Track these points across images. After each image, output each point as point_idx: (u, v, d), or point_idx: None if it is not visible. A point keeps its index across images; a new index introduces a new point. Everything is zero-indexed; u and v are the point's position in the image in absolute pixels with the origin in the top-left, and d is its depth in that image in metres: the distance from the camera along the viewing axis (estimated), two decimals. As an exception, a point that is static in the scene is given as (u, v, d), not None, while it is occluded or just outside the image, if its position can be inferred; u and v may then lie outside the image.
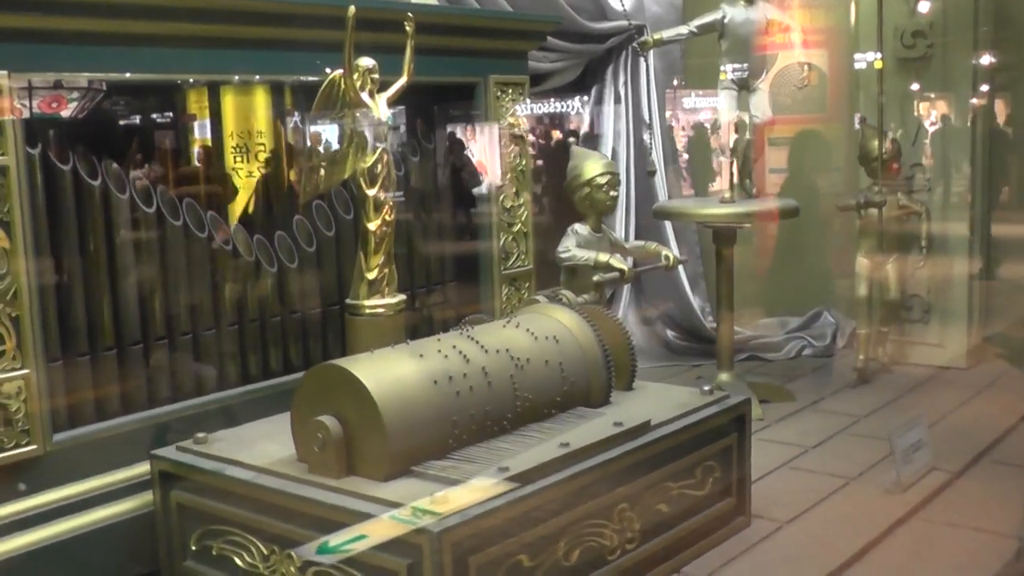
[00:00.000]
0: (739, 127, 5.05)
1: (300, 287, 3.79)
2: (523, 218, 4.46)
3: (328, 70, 3.51)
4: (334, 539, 2.91)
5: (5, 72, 2.98)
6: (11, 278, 3.02)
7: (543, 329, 3.42)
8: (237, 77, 3.63)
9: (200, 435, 3.22)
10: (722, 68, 5.09)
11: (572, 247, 4.29)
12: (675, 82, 6.27)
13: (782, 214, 5.18)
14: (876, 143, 5.58)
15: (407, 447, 2.82)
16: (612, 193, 4.39)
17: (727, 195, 5.03)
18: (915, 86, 6.08)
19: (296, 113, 4.04)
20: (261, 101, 3.96)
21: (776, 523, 3.75)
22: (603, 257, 4.22)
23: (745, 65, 5.14)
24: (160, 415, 3.41)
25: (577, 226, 4.37)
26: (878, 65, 6.00)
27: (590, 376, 3.43)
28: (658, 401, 3.54)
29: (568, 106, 6.07)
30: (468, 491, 2.72)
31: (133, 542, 3.26)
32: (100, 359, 3.33)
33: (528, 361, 3.26)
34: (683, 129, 6.68)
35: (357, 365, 2.89)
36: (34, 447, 3.10)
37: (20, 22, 3.00)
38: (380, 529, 2.76)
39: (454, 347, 3.17)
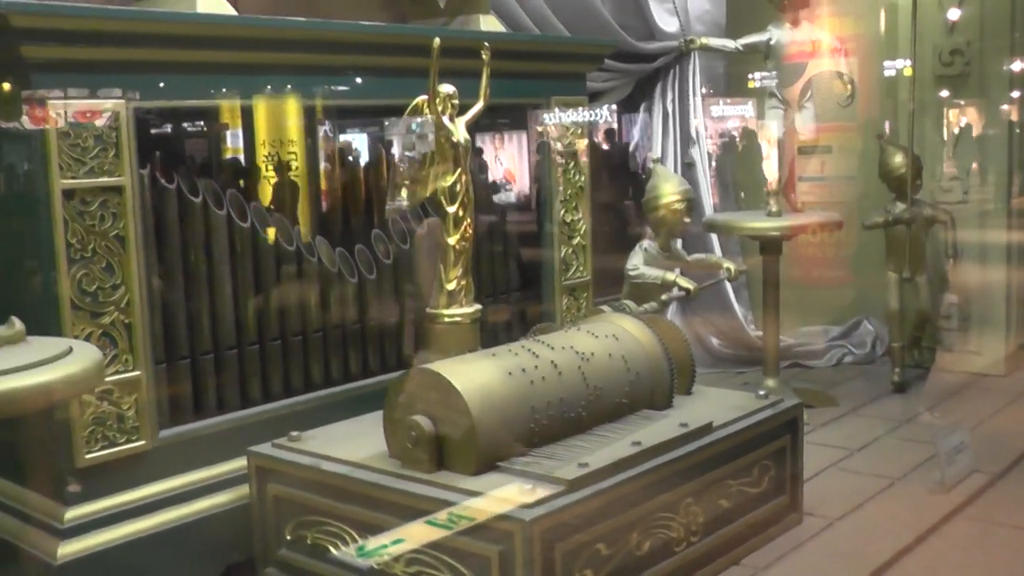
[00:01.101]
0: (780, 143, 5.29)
1: (378, 297, 4.05)
2: (582, 231, 4.70)
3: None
4: (372, 543, 3.19)
5: (123, 101, 3.26)
6: (124, 288, 3.30)
7: (608, 334, 3.67)
8: (338, 102, 3.90)
9: (294, 433, 3.47)
10: (762, 82, 5.32)
11: (640, 265, 4.54)
12: (703, 90, 6.37)
13: (826, 227, 5.39)
14: (897, 159, 5.68)
15: (494, 443, 3.07)
16: (685, 219, 4.65)
17: (773, 208, 5.26)
18: (946, 95, 6.23)
19: (378, 134, 4.30)
20: (342, 122, 4.22)
21: (827, 520, 3.97)
22: (670, 276, 4.47)
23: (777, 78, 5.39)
24: (254, 414, 3.67)
25: (646, 243, 4.62)
26: (907, 72, 6.20)
27: (654, 380, 3.66)
28: (717, 404, 3.78)
29: (596, 114, 6.24)
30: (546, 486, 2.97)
31: (230, 531, 3.52)
32: (199, 362, 3.60)
33: (593, 355, 3.51)
34: (711, 138, 6.80)
35: (448, 369, 3.14)
36: (143, 443, 3.38)
37: (138, 55, 3.28)
38: (419, 532, 3.05)
39: (523, 347, 3.45)
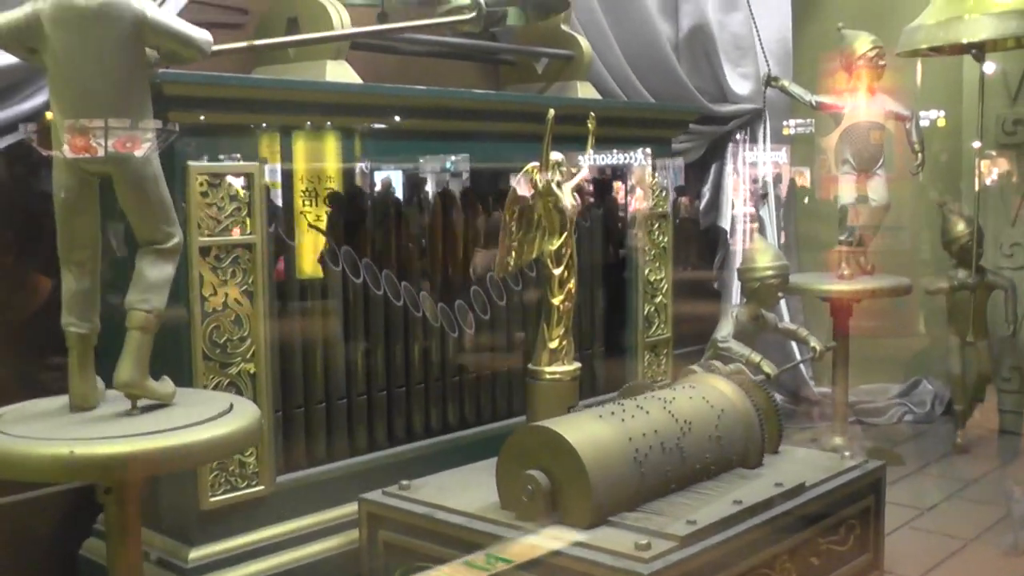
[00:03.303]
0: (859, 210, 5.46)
1: (477, 351, 4.24)
2: (664, 290, 4.87)
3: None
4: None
5: (256, 163, 3.46)
6: (251, 340, 3.48)
7: (701, 391, 3.83)
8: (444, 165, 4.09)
9: (404, 482, 3.63)
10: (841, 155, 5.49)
11: (730, 337, 4.68)
12: (737, 136, 6.41)
13: (895, 292, 5.53)
14: (960, 227, 5.79)
15: (606, 499, 3.22)
16: (778, 294, 4.80)
17: (845, 272, 5.42)
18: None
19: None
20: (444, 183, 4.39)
21: (907, 578, 4.12)
22: (755, 358, 4.61)
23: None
24: (363, 462, 3.85)
25: (738, 311, 4.78)
26: (941, 123, 6.33)
27: (747, 439, 3.81)
28: (805, 464, 3.92)
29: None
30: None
31: (340, 575, 3.68)
32: (312, 411, 3.78)
33: (675, 399, 3.68)
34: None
35: (563, 427, 3.31)
36: (262, 487, 3.55)
37: (271, 120, 3.49)
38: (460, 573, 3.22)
39: (616, 403, 3.63)
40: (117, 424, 2.50)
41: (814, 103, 5.63)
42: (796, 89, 5.68)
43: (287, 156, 3.65)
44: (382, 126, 3.83)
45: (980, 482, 5.36)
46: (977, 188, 5.95)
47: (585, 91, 4.69)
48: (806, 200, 6.92)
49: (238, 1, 4.27)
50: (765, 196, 6.15)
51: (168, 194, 2.67)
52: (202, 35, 2.65)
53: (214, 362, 3.41)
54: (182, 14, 3.62)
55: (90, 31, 2.46)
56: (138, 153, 2.52)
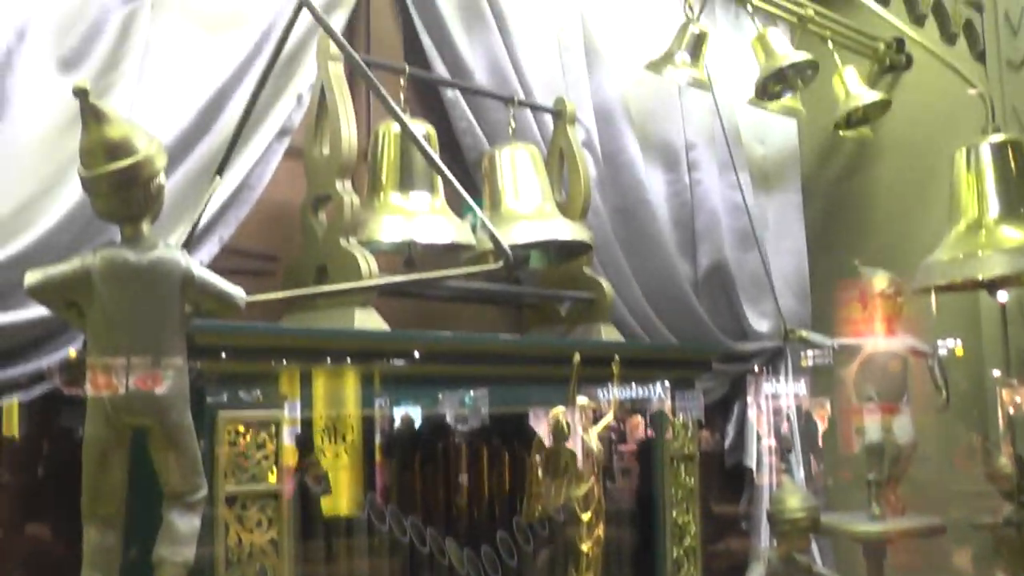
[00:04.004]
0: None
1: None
2: (692, 533, 4.78)
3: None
4: None
5: (281, 410, 3.47)
6: (275, 590, 3.41)
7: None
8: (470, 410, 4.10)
9: None
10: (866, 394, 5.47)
11: None
12: (755, 368, 6.37)
13: (928, 532, 5.42)
14: (1002, 462, 5.72)
15: None
16: (809, 535, 4.74)
17: (876, 511, 5.32)
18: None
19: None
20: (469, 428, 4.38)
21: None
22: None
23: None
24: None
25: (769, 554, 4.69)
26: (959, 353, 6.29)
27: None
28: None
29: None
30: None
31: None
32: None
33: None
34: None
35: None
36: None
37: (300, 367, 3.53)
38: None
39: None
40: None
41: (835, 346, 5.67)
42: (816, 337, 5.73)
43: (312, 398, 3.66)
44: (408, 370, 3.86)
45: None
46: (1001, 419, 5.89)
47: (608, 333, 4.73)
48: (829, 432, 6.87)
49: (268, 249, 4.38)
50: (791, 450, 6.11)
51: (197, 445, 2.68)
52: (238, 292, 2.71)
53: (236, 614, 3.33)
54: (214, 261, 3.76)
55: (140, 286, 2.54)
56: (162, 391, 2.54)
